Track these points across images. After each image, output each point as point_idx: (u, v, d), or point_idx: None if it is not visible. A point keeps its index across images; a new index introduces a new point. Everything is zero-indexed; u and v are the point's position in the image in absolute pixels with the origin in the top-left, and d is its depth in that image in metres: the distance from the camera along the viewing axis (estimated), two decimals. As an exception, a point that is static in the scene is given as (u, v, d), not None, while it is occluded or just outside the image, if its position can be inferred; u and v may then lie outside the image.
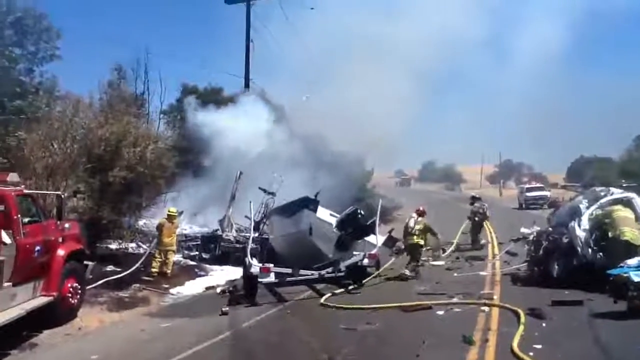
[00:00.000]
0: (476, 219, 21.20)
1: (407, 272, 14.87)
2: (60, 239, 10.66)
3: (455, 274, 15.30)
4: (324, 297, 12.59)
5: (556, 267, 12.96)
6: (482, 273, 15.12)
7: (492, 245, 20.53)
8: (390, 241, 19.06)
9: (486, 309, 10.75)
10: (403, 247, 16.72)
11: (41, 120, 16.93)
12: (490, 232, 22.95)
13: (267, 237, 16.77)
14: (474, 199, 22.63)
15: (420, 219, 15.98)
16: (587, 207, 13.74)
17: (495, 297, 11.86)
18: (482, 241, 21.03)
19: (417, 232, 15.64)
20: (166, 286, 14.66)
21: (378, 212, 15.88)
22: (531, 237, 15.82)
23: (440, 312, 10.78)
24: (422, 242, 15.76)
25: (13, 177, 10.12)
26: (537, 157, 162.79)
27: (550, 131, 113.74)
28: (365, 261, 14.04)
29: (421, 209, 16.60)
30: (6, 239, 8.93)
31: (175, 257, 16.76)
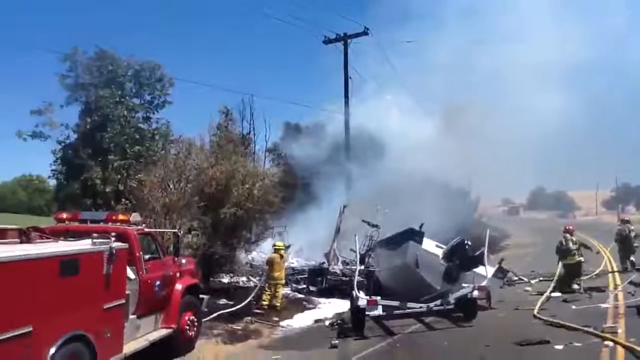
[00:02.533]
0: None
1: (576, 286, 16.07)
2: (177, 274, 11.25)
3: (574, 306, 14.44)
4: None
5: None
6: (603, 305, 14.14)
7: (613, 274, 19.17)
8: (500, 272, 18.36)
9: (610, 344, 10.05)
10: (563, 269, 16.99)
11: (158, 163, 18.13)
12: (610, 261, 21.50)
13: (373, 269, 16.72)
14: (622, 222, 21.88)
15: (572, 237, 17.03)
16: None
17: (619, 331, 11.07)
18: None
19: (575, 252, 16.70)
20: (276, 319, 14.96)
21: (486, 242, 15.38)
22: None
23: (559, 347, 10.21)
24: (582, 258, 16.87)
25: (135, 217, 10.87)
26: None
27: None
28: (475, 293, 13.60)
29: (570, 227, 17.75)
30: (130, 274, 9.58)
31: (284, 290, 17.09)
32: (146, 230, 11.10)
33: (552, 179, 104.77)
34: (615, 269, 20.03)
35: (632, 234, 20.15)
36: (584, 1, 43.35)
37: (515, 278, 19.43)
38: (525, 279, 19.46)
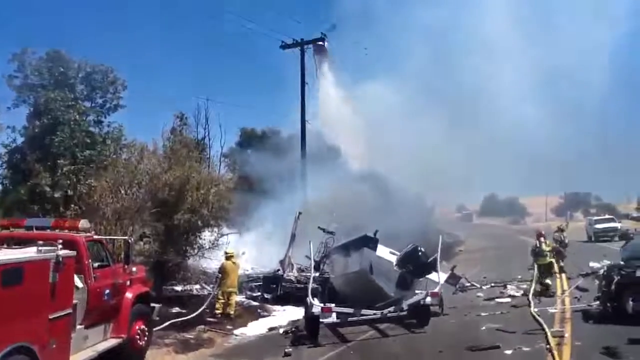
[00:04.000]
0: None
1: (548, 282, 17.76)
2: (128, 282, 11.00)
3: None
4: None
5: (631, 303, 12.35)
6: (551, 310, 14.53)
7: (561, 280, 19.73)
8: (453, 278, 18.72)
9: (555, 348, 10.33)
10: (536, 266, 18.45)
11: (109, 168, 17.71)
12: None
13: (327, 276, 16.74)
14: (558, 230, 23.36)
15: (544, 240, 18.81)
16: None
17: (566, 334, 11.40)
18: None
19: (547, 253, 18.38)
20: (230, 327, 14.81)
21: (439, 249, 15.60)
22: (601, 272, 15.15)
23: (509, 352, 10.43)
24: (553, 260, 18.63)
25: (84, 223, 10.57)
26: (604, 186, 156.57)
27: (619, 157, 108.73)
28: (428, 299, 13.76)
29: (542, 232, 19.71)
30: (78, 283, 9.31)
31: (238, 298, 16.94)
32: (95, 237, 10.82)
33: (504, 185, 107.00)
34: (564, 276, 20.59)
35: (566, 241, 21.86)
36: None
37: (468, 284, 19.78)
38: (477, 285, 19.84)
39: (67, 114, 19.09)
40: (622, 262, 14.51)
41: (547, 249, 18.67)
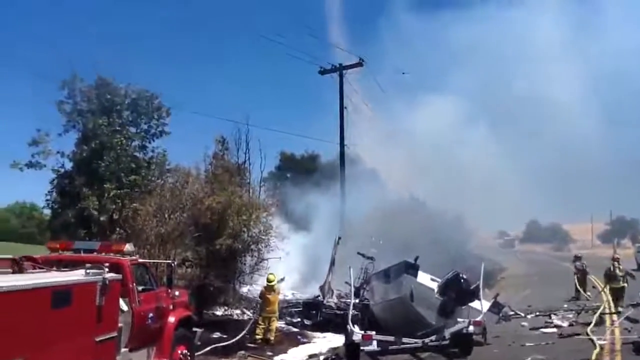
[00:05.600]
0: (578, 275, 23.29)
1: (620, 309, 17.86)
2: (170, 306, 11.13)
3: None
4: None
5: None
6: (600, 342, 14.01)
7: (610, 309, 19.04)
8: (496, 307, 18.26)
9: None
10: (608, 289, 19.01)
11: (153, 192, 18.05)
12: (607, 297, 21.36)
13: (367, 303, 16.58)
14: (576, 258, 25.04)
15: (619, 264, 18.92)
16: None
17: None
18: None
19: (620, 277, 18.51)
20: (270, 353, 14.77)
21: (481, 276, 15.33)
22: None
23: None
24: (626, 284, 18.64)
25: (129, 247, 10.79)
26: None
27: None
28: (471, 328, 13.48)
29: (616, 256, 20.09)
30: (123, 306, 9.47)
31: (278, 324, 16.92)
32: (140, 260, 11.02)
33: (547, 211, 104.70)
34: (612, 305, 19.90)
35: (587, 269, 23.51)
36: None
37: (511, 313, 19.27)
38: (522, 314, 19.31)
39: (113, 138, 19.63)
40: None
41: (621, 273, 18.77)
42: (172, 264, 12.35)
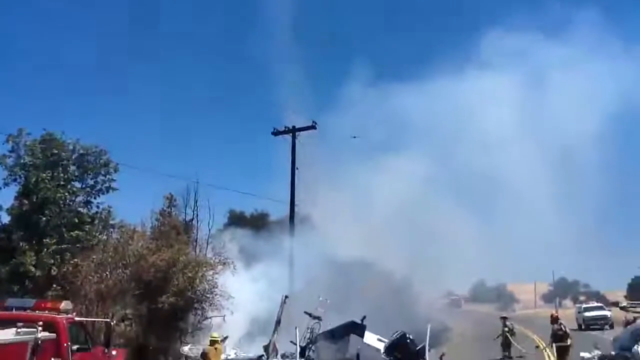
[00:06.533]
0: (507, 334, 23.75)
1: None
2: (107, 367, 10.72)
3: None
4: None
5: (623, 394, 12.12)
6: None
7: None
8: (442, 367, 18.31)
9: None
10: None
11: (95, 248, 17.60)
12: (549, 357, 21.70)
13: (313, 363, 16.31)
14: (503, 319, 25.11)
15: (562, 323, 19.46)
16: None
17: None
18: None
19: (568, 337, 18.67)
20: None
21: (427, 336, 15.36)
22: (593, 362, 14.93)
23: None
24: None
25: (66, 305, 10.47)
26: (593, 274, 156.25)
27: (605, 245, 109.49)
28: (416, 388, 13.43)
29: (555, 314, 20.36)
30: (56, 367, 9.06)
31: (221, 384, 16.40)
32: (76, 319, 10.64)
33: (493, 272, 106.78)
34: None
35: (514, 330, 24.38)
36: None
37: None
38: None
39: (57, 193, 19.19)
40: (613, 353, 14.36)
41: (569, 332, 19.23)
42: (111, 322, 11.98)
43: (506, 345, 23.67)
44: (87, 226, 19.56)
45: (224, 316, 18.15)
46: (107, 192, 21.01)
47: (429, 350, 15.16)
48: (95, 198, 20.88)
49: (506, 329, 24.32)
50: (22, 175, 19.84)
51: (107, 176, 20.98)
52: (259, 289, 24.67)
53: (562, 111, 49.22)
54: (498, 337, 24.48)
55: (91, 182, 20.95)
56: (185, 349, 18.74)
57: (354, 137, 34.44)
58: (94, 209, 20.68)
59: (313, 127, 29.04)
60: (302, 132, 29.00)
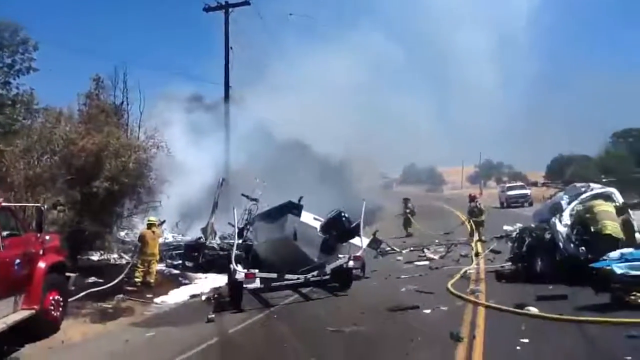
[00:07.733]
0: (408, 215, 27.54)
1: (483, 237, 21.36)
2: (40, 252, 10.52)
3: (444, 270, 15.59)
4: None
5: (539, 263, 13.10)
6: (468, 270, 15.13)
7: (476, 243, 20.59)
8: (375, 243, 19.20)
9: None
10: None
11: (20, 133, 16.69)
12: (474, 230, 23.07)
13: (251, 243, 16.64)
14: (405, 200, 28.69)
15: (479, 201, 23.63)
16: (568, 203, 13.94)
17: (481, 292, 11.99)
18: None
19: (482, 212, 22.79)
20: (150, 296, 14.52)
21: (362, 214, 15.84)
22: (514, 235, 15.95)
23: (427, 311, 10.81)
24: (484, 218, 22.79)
25: (-9, 190, 9.97)
26: (516, 156, 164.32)
27: (529, 130, 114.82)
28: (351, 263, 14.01)
29: (473, 194, 25.12)
30: (-15, 253, 8.79)
31: (159, 267, 16.61)
32: (4, 204, 10.21)
33: (424, 155, 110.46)
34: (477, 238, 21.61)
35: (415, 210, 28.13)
36: None
37: (388, 248, 20.33)
38: (397, 249, 20.41)
39: (-31, 73, 17.79)
40: (532, 226, 15.35)
41: (484, 209, 23.43)
42: (42, 208, 11.62)
43: (407, 224, 27.26)
44: (8, 109, 18.41)
45: (160, 201, 18.00)
46: (28, 72, 19.63)
47: (363, 227, 15.68)
48: (14, 79, 19.51)
49: (407, 210, 27.86)
50: None
51: (26, 54, 19.52)
52: (196, 168, 24.57)
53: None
54: (398, 215, 28.74)
55: (8, 61, 19.46)
56: (122, 233, 18.70)
57: (290, 14, 33.16)
58: (14, 91, 19.41)
59: (247, 2, 27.62)
60: (235, 8, 27.58)
